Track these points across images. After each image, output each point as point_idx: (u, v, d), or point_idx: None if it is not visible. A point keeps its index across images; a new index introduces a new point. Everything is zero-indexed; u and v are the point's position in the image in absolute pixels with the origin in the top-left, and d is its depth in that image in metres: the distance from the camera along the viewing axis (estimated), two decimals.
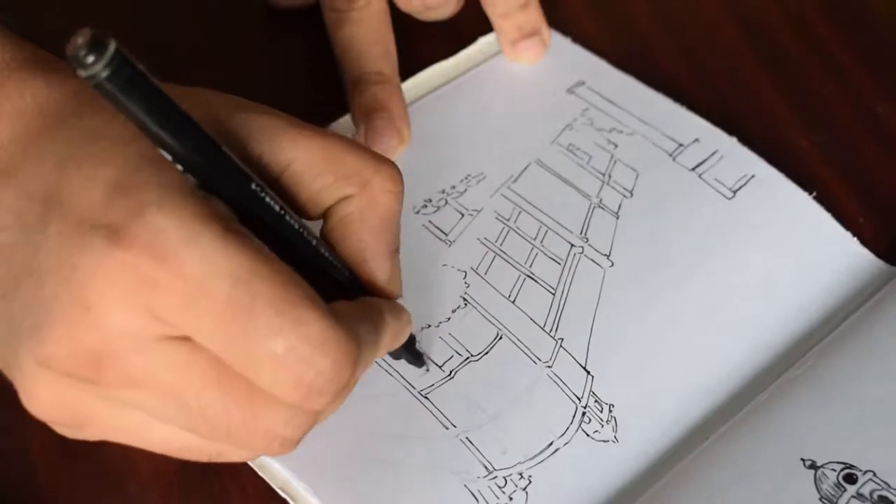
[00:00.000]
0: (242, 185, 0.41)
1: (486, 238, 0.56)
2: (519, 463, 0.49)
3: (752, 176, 0.59)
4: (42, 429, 0.49)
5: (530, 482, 0.48)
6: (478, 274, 0.55)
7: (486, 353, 0.52)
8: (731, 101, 0.63)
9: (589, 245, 0.56)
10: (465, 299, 0.54)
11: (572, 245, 0.56)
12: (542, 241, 0.56)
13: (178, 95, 0.39)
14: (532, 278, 0.55)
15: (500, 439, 0.49)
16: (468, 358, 0.52)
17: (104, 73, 0.35)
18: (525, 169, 0.59)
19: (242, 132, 0.43)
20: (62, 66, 0.44)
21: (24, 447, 0.49)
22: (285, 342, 0.38)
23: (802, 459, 0.48)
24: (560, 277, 0.55)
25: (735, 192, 0.58)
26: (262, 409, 0.40)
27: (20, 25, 0.47)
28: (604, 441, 0.50)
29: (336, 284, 0.45)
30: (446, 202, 0.58)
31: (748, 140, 0.60)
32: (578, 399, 0.51)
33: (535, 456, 0.49)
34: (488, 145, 0.61)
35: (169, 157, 0.39)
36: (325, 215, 0.46)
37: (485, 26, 0.65)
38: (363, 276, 0.46)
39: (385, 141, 0.59)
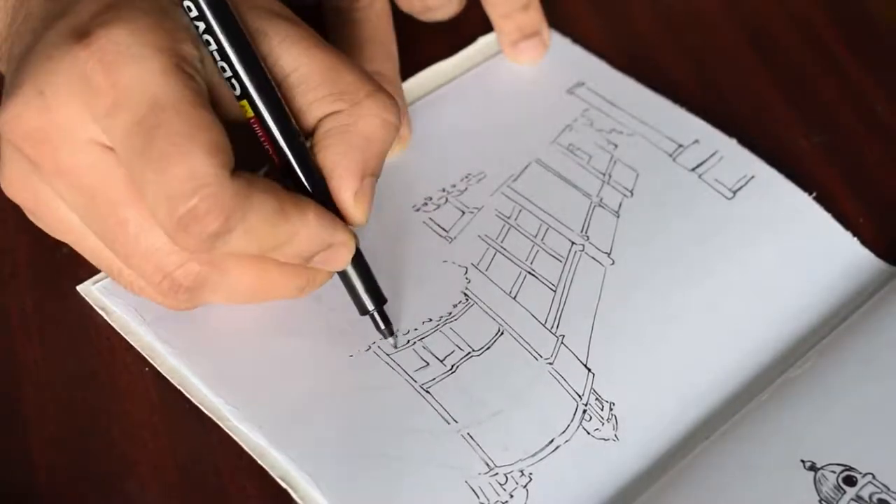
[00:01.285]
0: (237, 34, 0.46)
1: (486, 235, 0.56)
2: (520, 460, 0.49)
3: (752, 177, 0.59)
4: (42, 429, 0.49)
5: (531, 479, 0.48)
6: (479, 270, 0.55)
7: (488, 349, 0.52)
8: (731, 102, 0.63)
9: (590, 243, 0.56)
10: (465, 295, 0.54)
11: (573, 243, 0.56)
12: (542, 239, 0.56)
13: None
14: (533, 275, 0.55)
15: (502, 436, 0.49)
16: (469, 353, 0.52)
17: None
18: (525, 168, 0.60)
19: (262, 30, 0.47)
20: None
21: (24, 447, 0.49)
22: (170, 170, 0.42)
23: (802, 461, 0.48)
24: (561, 275, 0.55)
25: (735, 192, 0.58)
26: (155, 238, 0.45)
27: None
28: (604, 439, 0.50)
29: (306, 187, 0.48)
30: (447, 200, 0.58)
31: (748, 140, 0.60)
32: (579, 396, 0.51)
33: (536, 453, 0.49)
34: (488, 145, 0.61)
35: None
36: (315, 126, 0.48)
37: (485, 26, 0.65)
38: (332, 191, 0.48)
39: None
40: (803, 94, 0.64)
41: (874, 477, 0.47)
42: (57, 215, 0.47)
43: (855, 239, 0.57)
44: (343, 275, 0.49)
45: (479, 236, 0.56)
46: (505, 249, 0.56)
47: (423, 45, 0.65)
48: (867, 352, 0.51)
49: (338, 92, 0.47)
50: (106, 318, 0.52)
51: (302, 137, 0.47)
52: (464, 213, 0.57)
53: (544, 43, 0.64)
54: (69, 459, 0.48)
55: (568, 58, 0.65)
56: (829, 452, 0.48)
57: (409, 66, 0.63)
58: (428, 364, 0.51)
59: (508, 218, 0.57)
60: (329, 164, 0.48)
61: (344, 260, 0.48)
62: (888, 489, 0.47)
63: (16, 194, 0.48)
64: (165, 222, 0.43)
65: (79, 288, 0.53)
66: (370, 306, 0.50)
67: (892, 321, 0.53)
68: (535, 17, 0.64)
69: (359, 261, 0.49)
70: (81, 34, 0.43)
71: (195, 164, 0.42)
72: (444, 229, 0.56)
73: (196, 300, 0.48)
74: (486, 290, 0.54)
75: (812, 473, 0.47)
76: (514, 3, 0.63)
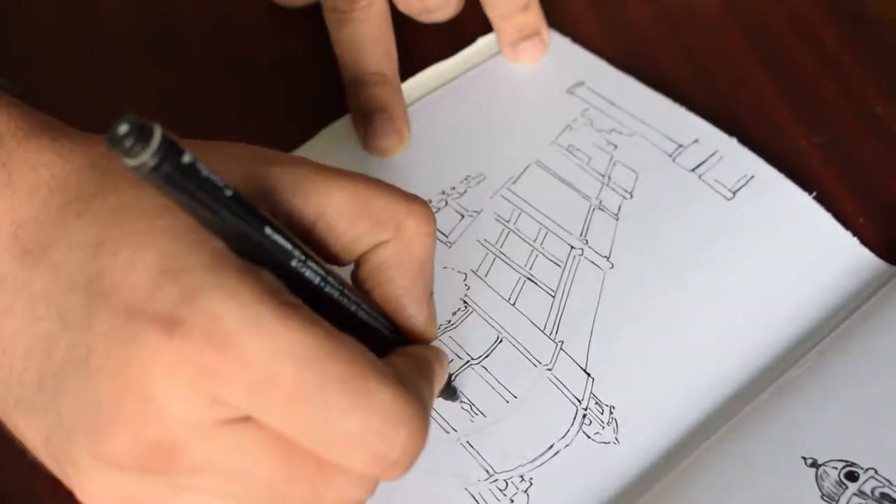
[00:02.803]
0: (288, 259, 0.40)
1: (485, 240, 0.56)
2: (520, 465, 0.49)
3: (752, 176, 0.59)
4: None
5: (531, 484, 0.48)
6: (478, 276, 0.55)
7: (487, 357, 0.52)
8: (731, 102, 0.63)
9: (589, 247, 0.56)
10: (465, 302, 0.54)
11: (572, 247, 0.56)
12: (541, 243, 0.56)
13: (208, 153, 0.38)
14: (532, 280, 0.55)
15: (501, 442, 0.49)
16: (468, 361, 0.52)
17: (151, 163, 0.34)
18: (525, 170, 0.59)
19: (272, 186, 0.42)
20: (71, 133, 0.43)
21: (24, 447, 0.49)
22: (359, 420, 0.37)
23: (804, 458, 0.48)
24: (560, 279, 0.55)
25: (735, 192, 0.58)
26: (333, 479, 0.39)
27: (20, 88, 0.45)
28: (604, 443, 0.50)
29: (374, 334, 0.44)
30: (446, 203, 0.58)
31: (748, 140, 0.60)
32: (579, 401, 0.51)
33: (536, 458, 0.49)
34: (488, 146, 0.60)
35: (214, 235, 0.38)
36: (357, 261, 0.45)
37: (484, 27, 0.65)
38: (400, 321, 0.45)
39: (384, 141, 0.59)
40: (803, 94, 0.63)
41: (876, 472, 0.47)
42: None
43: (855, 239, 0.57)
44: None
45: (478, 241, 0.56)
46: (504, 254, 0.56)
47: (422, 45, 0.65)
48: (868, 351, 0.51)
49: (376, 222, 0.43)
50: None
51: (360, 301, 0.43)
52: (463, 216, 0.57)
53: (544, 43, 0.64)
54: None
55: (567, 57, 0.65)
56: (831, 449, 0.48)
57: (409, 67, 0.63)
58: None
59: (508, 222, 0.57)
60: (395, 300, 0.45)
61: (446, 375, 0.47)
62: (890, 483, 0.47)
63: None
64: (370, 469, 0.39)
65: None
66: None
67: (892, 321, 0.52)
68: (535, 17, 0.64)
69: None
70: (166, 321, 0.36)
71: (380, 400, 0.38)
72: (443, 234, 0.56)
73: None
74: (485, 297, 0.54)
75: (814, 470, 0.47)
76: (513, 3, 0.63)
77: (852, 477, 0.47)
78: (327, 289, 0.41)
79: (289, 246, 0.39)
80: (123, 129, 0.33)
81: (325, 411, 0.37)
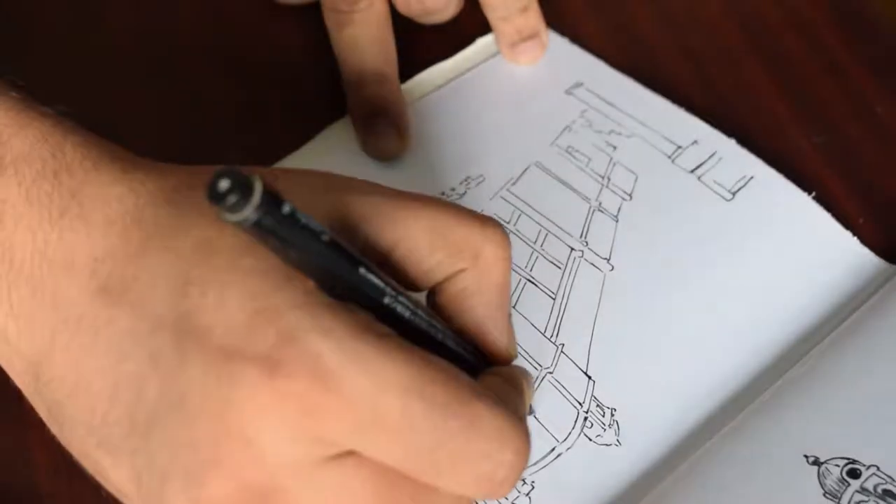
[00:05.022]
0: (380, 297, 0.39)
1: None
2: None
3: (752, 177, 0.59)
4: (42, 428, 0.49)
5: (533, 487, 0.48)
6: None
7: None
8: (731, 102, 0.63)
9: (589, 249, 0.56)
10: None
11: (572, 249, 0.56)
12: (542, 245, 0.56)
13: (289, 184, 0.39)
14: (532, 282, 0.55)
15: None
16: None
17: (253, 218, 0.33)
18: (525, 171, 0.59)
19: (350, 216, 0.41)
20: (139, 162, 0.42)
21: (24, 447, 0.49)
22: (465, 443, 0.37)
23: (806, 456, 0.48)
24: (560, 282, 0.55)
25: (734, 193, 0.58)
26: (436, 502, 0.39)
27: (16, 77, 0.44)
28: (606, 445, 0.50)
29: (459, 360, 0.43)
30: None
31: (748, 141, 0.60)
32: (580, 404, 0.51)
33: (538, 461, 0.49)
34: (487, 147, 0.60)
35: (302, 273, 0.38)
36: (435, 289, 0.44)
37: (484, 27, 0.65)
38: (483, 345, 0.45)
39: (385, 143, 0.59)
40: (803, 94, 0.63)
41: (878, 468, 0.47)
42: None
43: (855, 238, 0.57)
44: None
45: None
46: None
47: (421, 46, 0.64)
48: (868, 350, 0.52)
49: (454, 251, 0.43)
50: None
51: (446, 331, 0.43)
52: None
53: (543, 44, 0.64)
54: (69, 459, 0.48)
55: (566, 58, 0.65)
56: (833, 446, 0.48)
57: (408, 68, 0.63)
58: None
59: (508, 223, 0.57)
60: (477, 327, 0.44)
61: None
62: (892, 480, 0.47)
63: None
64: (479, 492, 0.38)
65: None
66: None
67: (892, 320, 0.53)
68: (534, 19, 0.64)
69: None
70: (266, 362, 0.36)
71: (484, 420, 0.37)
72: None
73: None
74: None
75: (816, 468, 0.47)
76: (512, 5, 0.62)
77: (854, 474, 0.47)
78: (416, 321, 0.40)
79: (381, 284, 0.39)
80: (224, 184, 0.32)
81: (432, 438, 0.37)
